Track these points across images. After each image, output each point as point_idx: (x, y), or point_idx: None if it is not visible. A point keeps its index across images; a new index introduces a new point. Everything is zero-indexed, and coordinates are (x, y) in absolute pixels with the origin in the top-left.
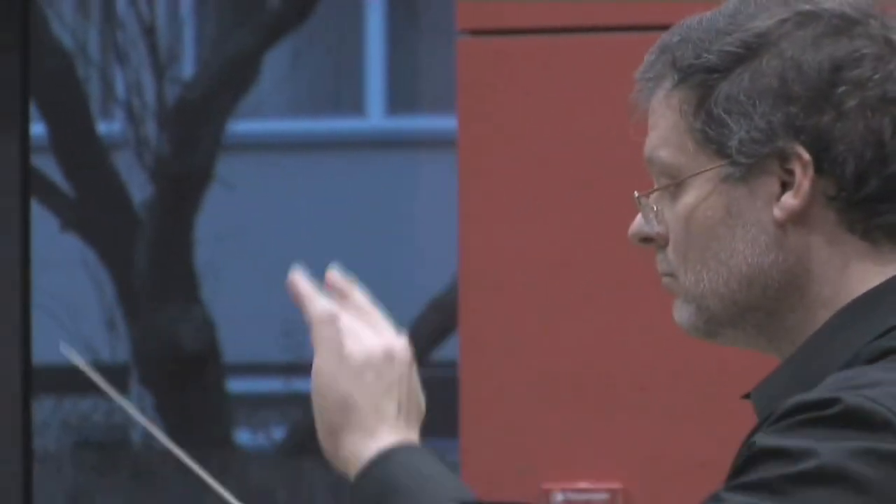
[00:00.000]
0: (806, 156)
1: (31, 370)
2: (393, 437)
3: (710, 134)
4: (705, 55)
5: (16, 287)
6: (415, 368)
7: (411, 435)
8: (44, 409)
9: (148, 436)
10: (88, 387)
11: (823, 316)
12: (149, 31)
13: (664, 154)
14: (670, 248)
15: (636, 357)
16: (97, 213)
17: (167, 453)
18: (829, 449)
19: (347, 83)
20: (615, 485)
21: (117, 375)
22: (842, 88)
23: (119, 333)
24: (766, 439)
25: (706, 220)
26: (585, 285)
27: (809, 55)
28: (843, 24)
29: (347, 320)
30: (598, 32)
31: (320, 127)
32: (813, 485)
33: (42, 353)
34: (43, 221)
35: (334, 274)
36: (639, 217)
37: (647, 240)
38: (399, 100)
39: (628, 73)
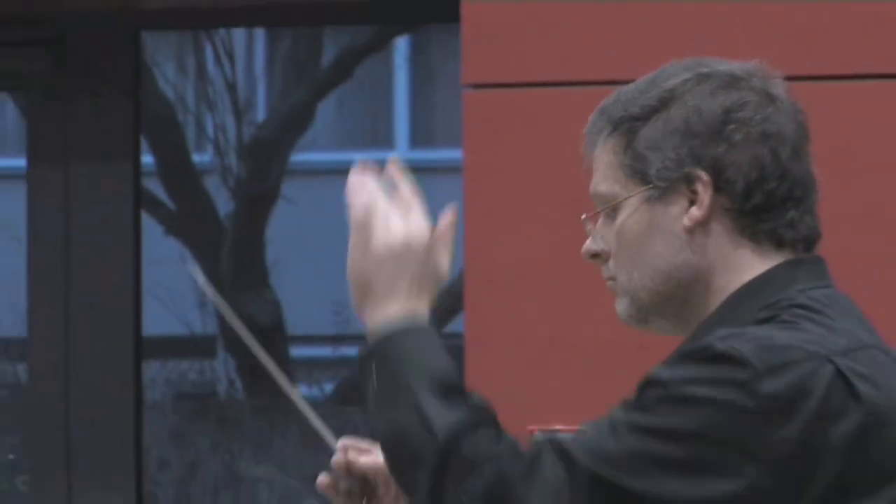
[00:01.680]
0: (706, 178)
1: (142, 340)
2: (398, 314)
3: (635, 167)
4: (631, 108)
5: (130, 278)
6: (433, 247)
7: (421, 304)
8: (151, 369)
9: (230, 389)
10: (185, 353)
11: (721, 300)
12: (231, 86)
13: (603, 188)
14: (611, 259)
15: (623, 328)
16: (192, 222)
17: (245, 402)
18: (681, 376)
19: (380, 124)
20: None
21: (207, 344)
22: (731, 126)
23: (209, 312)
24: (651, 372)
25: (634, 232)
26: (573, 275)
27: (706, 103)
28: (732, 80)
29: (382, 211)
30: (589, 86)
31: (359, 157)
32: (669, 403)
33: (150, 328)
34: (151, 228)
35: (394, 163)
36: (587, 241)
37: (594, 255)
38: (420, 136)
39: None
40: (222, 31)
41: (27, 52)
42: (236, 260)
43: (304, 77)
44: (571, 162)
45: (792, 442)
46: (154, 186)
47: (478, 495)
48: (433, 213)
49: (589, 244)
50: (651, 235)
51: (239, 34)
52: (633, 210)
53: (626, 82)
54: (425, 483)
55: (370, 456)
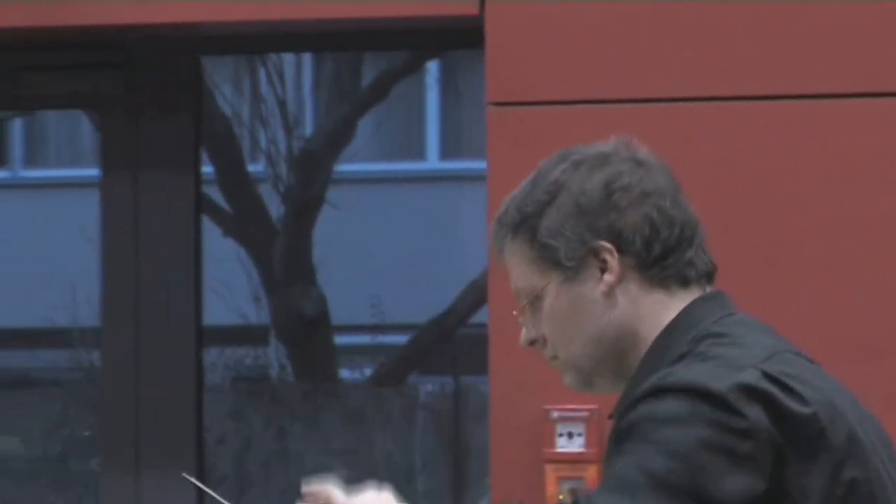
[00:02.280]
0: (608, 245)
1: (203, 329)
2: None
3: (544, 257)
4: (524, 209)
5: (192, 274)
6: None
7: None
8: (211, 355)
9: (281, 373)
10: (241, 341)
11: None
12: (281, 104)
13: (522, 283)
14: (548, 342)
15: None
16: (246, 224)
17: (294, 385)
18: (641, 415)
19: (413, 138)
20: (594, 406)
21: (261, 333)
22: (615, 196)
23: (262, 305)
24: (622, 419)
25: (562, 312)
26: None
27: (588, 183)
28: (603, 158)
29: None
30: (606, 104)
31: (395, 167)
32: (632, 436)
33: (210, 318)
34: (210, 230)
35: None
36: (523, 331)
37: (532, 342)
38: (448, 149)
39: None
40: (273, 55)
41: (100, 74)
42: (286, 259)
43: (346, 96)
44: None
45: (757, 425)
46: (213, 193)
47: None
48: (460, 216)
49: (524, 335)
50: (576, 310)
51: (288, 58)
52: (554, 294)
53: (638, 101)
54: None
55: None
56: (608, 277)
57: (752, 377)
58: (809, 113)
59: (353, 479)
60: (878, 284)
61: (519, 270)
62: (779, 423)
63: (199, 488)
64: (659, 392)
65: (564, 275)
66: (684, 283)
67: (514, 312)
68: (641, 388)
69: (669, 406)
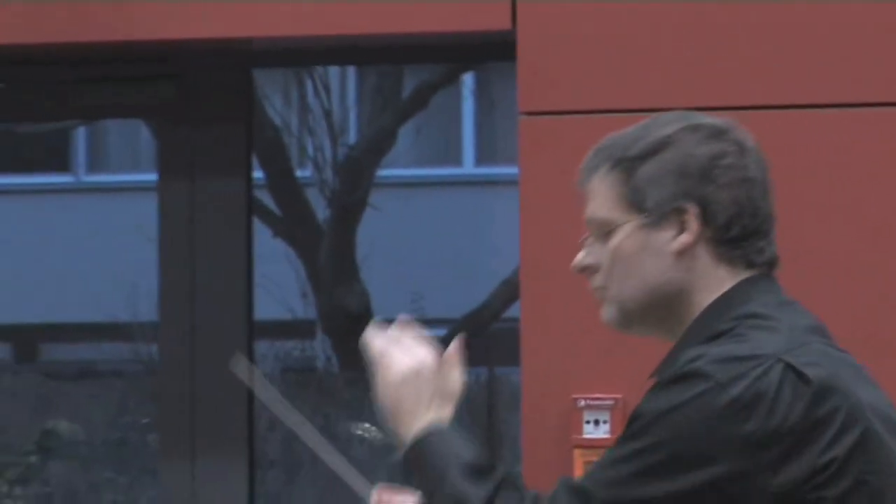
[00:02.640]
0: (696, 210)
1: (254, 324)
2: (423, 425)
3: (633, 198)
4: (630, 150)
5: (243, 272)
6: (443, 369)
7: (443, 413)
8: (262, 347)
9: (327, 364)
10: (290, 335)
11: (696, 315)
12: (327, 114)
13: (600, 214)
14: (601, 273)
15: None
16: (294, 226)
17: (339, 375)
18: (655, 406)
19: (450, 145)
20: (618, 395)
21: (308, 327)
22: (717, 171)
23: (309, 301)
24: (635, 409)
25: (629, 252)
26: None
27: (697, 150)
28: (717, 132)
29: (389, 353)
30: (632, 113)
31: (433, 172)
32: (652, 426)
33: (260, 314)
34: (261, 231)
35: (401, 321)
36: (579, 255)
37: (585, 268)
38: (483, 155)
39: None
40: (320, 68)
41: (157, 85)
42: (331, 258)
43: (387, 106)
44: None
45: (758, 433)
46: (263, 197)
47: None
48: (494, 218)
49: (581, 258)
50: (643, 255)
51: (334, 71)
52: (627, 234)
53: (660, 110)
54: None
55: (401, 498)
56: (685, 238)
57: (765, 376)
58: (828, 121)
59: (394, 464)
60: (884, 286)
61: (601, 201)
62: (780, 420)
63: (250, 378)
64: (672, 382)
65: (644, 221)
66: (749, 266)
67: (581, 238)
68: (671, 369)
69: (671, 397)
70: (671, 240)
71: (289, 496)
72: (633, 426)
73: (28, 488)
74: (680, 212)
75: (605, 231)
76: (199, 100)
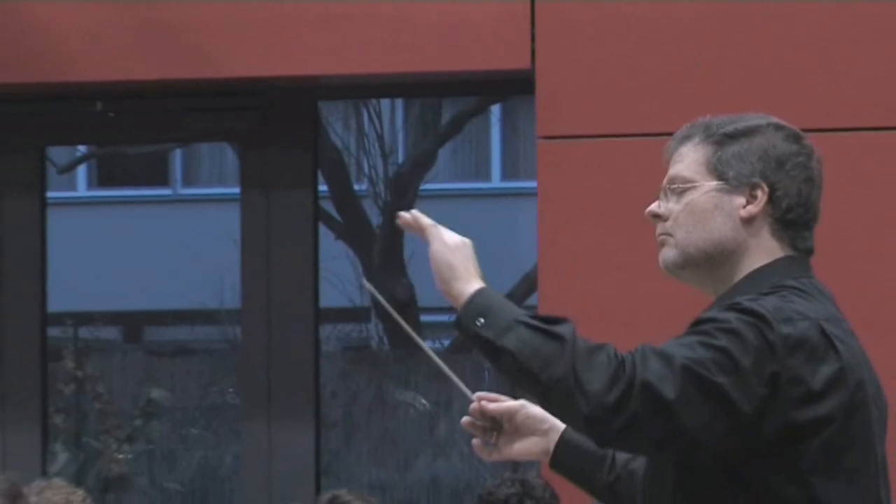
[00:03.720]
0: (766, 189)
1: (319, 310)
2: (478, 283)
3: (716, 166)
4: (725, 128)
5: (311, 267)
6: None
7: (483, 282)
8: (325, 330)
9: (380, 343)
10: (348, 319)
11: (743, 274)
12: (379, 137)
13: (686, 172)
14: (670, 221)
15: (657, 308)
16: (353, 230)
17: (389, 352)
18: (729, 317)
19: (481, 163)
20: None
21: (363, 313)
22: (790, 164)
23: (365, 291)
24: (704, 314)
25: (703, 207)
26: (621, 268)
27: (780, 143)
28: (795, 136)
29: (440, 228)
30: (634, 137)
31: (466, 186)
32: (721, 332)
33: (325, 301)
34: (325, 234)
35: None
36: (654, 204)
37: (657, 216)
38: (508, 171)
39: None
40: (373, 100)
41: (241, 114)
42: (384, 256)
43: (429, 132)
44: (616, 185)
45: (795, 368)
46: (327, 206)
47: (608, 376)
48: (517, 224)
49: (654, 207)
50: (715, 213)
51: (385, 102)
52: (704, 192)
53: (661, 135)
54: (564, 373)
55: (497, 403)
56: (751, 208)
57: (810, 328)
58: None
59: (437, 422)
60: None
61: (689, 163)
62: (810, 368)
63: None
64: (733, 307)
65: (722, 186)
66: (794, 248)
67: (664, 183)
68: (727, 302)
69: (732, 318)
70: (739, 207)
71: (347, 452)
72: (706, 326)
73: (134, 446)
74: (754, 186)
75: (685, 188)
76: (275, 126)
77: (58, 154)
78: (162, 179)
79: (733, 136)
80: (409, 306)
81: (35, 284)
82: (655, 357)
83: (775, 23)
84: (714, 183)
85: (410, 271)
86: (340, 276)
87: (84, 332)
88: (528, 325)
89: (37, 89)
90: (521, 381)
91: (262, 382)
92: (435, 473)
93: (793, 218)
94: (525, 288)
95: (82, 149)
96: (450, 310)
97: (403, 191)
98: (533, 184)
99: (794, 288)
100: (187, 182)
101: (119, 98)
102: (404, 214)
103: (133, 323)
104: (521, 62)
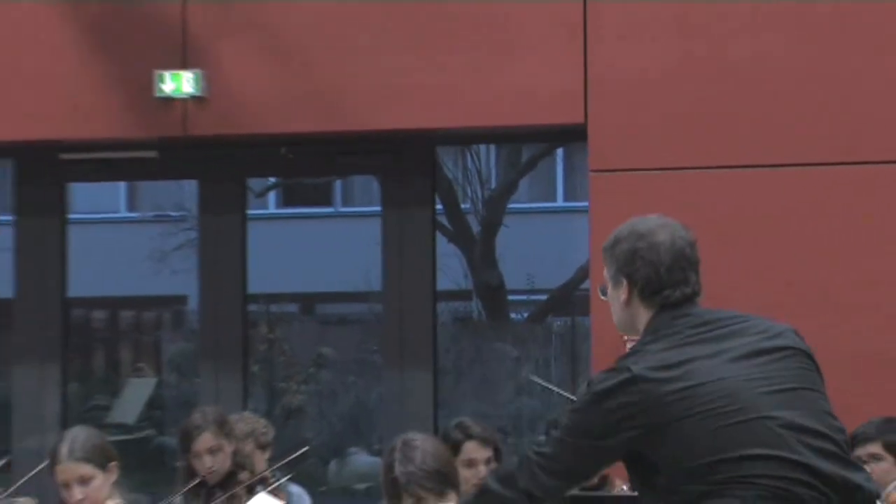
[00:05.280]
0: (626, 280)
1: (437, 292)
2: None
3: (608, 271)
4: (607, 244)
5: (430, 263)
6: None
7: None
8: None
9: (479, 316)
10: (456, 298)
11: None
12: (478, 171)
13: (606, 277)
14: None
15: None
16: (460, 237)
17: (487, 323)
18: (595, 388)
19: (549, 187)
20: None
21: (467, 294)
22: (638, 260)
23: (468, 279)
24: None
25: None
26: None
27: (627, 246)
28: (639, 236)
29: None
30: (669, 171)
31: (539, 205)
32: (579, 410)
33: (441, 285)
34: (440, 239)
35: None
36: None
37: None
38: (569, 195)
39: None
40: (474, 145)
41: (382, 156)
42: (481, 255)
43: (512, 167)
44: (653, 208)
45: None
46: (442, 219)
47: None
48: (575, 231)
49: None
50: (614, 304)
51: (482, 146)
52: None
53: (689, 168)
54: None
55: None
56: (623, 294)
57: (637, 371)
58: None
59: (519, 371)
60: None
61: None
62: (644, 396)
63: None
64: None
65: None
66: (662, 305)
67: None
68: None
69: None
70: (622, 296)
71: (456, 392)
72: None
73: (308, 387)
74: (622, 280)
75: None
76: (405, 164)
77: (255, 183)
78: (327, 201)
79: (608, 248)
80: (499, 288)
81: (238, 274)
82: (535, 459)
83: (785, 74)
84: (609, 285)
85: (500, 266)
86: (451, 268)
87: (273, 308)
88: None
89: (237, 138)
90: None
91: (396, 343)
92: (519, 407)
93: (650, 292)
94: (580, 276)
95: (272, 179)
96: (527, 291)
97: (495, 209)
98: (585, 204)
99: (654, 339)
100: (345, 203)
101: (297, 144)
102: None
103: (308, 301)
104: (577, 118)
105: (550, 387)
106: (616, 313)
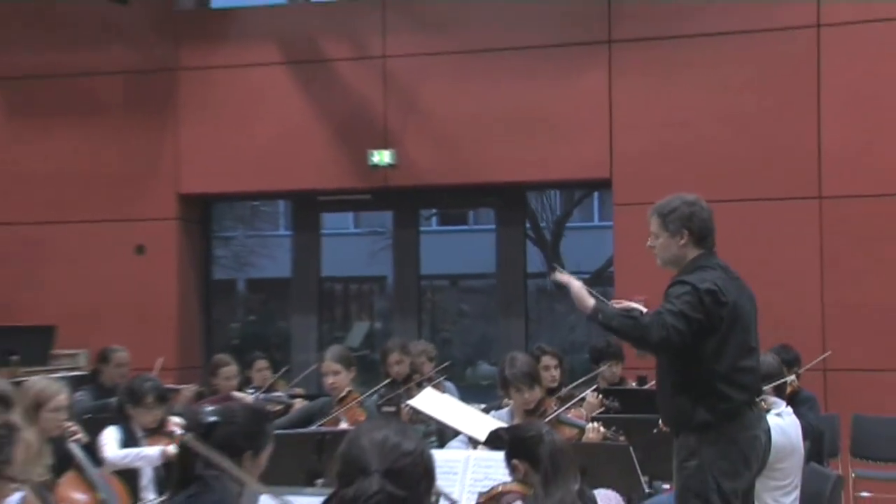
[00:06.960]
0: (686, 230)
1: (526, 273)
2: (593, 301)
3: (667, 226)
4: (664, 210)
5: (522, 260)
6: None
7: (594, 299)
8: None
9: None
10: (539, 277)
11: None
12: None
13: (654, 228)
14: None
15: None
16: (540, 242)
17: (558, 291)
18: (680, 289)
19: (587, 213)
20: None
21: (543, 275)
22: (695, 217)
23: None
24: (672, 282)
25: (663, 245)
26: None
27: (685, 209)
28: (691, 203)
29: (572, 280)
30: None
31: (582, 224)
32: (681, 291)
33: (530, 269)
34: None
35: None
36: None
37: (651, 247)
38: (603, 217)
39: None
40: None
41: (492, 200)
42: (551, 253)
43: (566, 206)
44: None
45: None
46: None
47: (657, 331)
48: (605, 239)
49: (650, 243)
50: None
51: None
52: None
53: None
54: (640, 333)
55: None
56: (681, 241)
57: (710, 285)
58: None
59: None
60: None
61: (652, 230)
62: (718, 304)
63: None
64: (676, 283)
65: (669, 233)
66: (709, 249)
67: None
68: (675, 279)
69: (678, 288)
70: (679, 240)
71: (540, 331)
72: (675, 289)
73: (454, 327)
74: (682, 231)
75: (656, 236)
76: (506, 206)
77: (424, 212)
78: (464, 221)
79: (667, 211)
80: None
81: (414, 263)
82: (668, 315)
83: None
84: (666, 233)
85: (565, 263)
86: (534, 260)
87: (435, 282)
88: (621, 316)
89: (414, 187)
90: (621, 337)
91: (504, 303)
92: (572, 340)
93: (699, 239)
94: (608, 264)
95: (434, 210)
96: (576, 272)
97: (559, 227)
98: (611, 223)
99: (703, 267)
100: (476, 222)
101: (449, 190)
102: (556, 275)
103: (453, 278)
104: (605, 174)
105: (571, 280)
106: (669, 253)
